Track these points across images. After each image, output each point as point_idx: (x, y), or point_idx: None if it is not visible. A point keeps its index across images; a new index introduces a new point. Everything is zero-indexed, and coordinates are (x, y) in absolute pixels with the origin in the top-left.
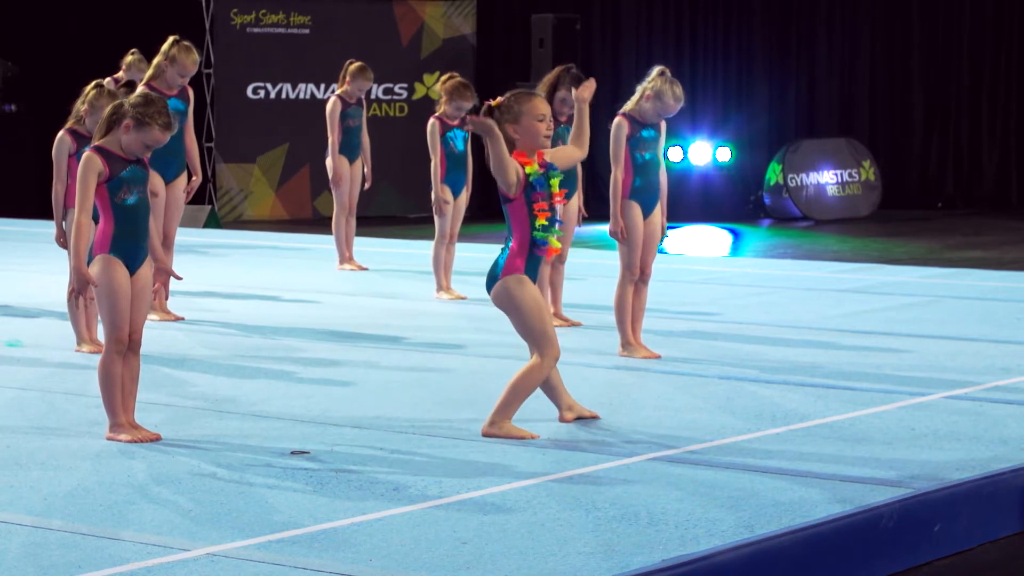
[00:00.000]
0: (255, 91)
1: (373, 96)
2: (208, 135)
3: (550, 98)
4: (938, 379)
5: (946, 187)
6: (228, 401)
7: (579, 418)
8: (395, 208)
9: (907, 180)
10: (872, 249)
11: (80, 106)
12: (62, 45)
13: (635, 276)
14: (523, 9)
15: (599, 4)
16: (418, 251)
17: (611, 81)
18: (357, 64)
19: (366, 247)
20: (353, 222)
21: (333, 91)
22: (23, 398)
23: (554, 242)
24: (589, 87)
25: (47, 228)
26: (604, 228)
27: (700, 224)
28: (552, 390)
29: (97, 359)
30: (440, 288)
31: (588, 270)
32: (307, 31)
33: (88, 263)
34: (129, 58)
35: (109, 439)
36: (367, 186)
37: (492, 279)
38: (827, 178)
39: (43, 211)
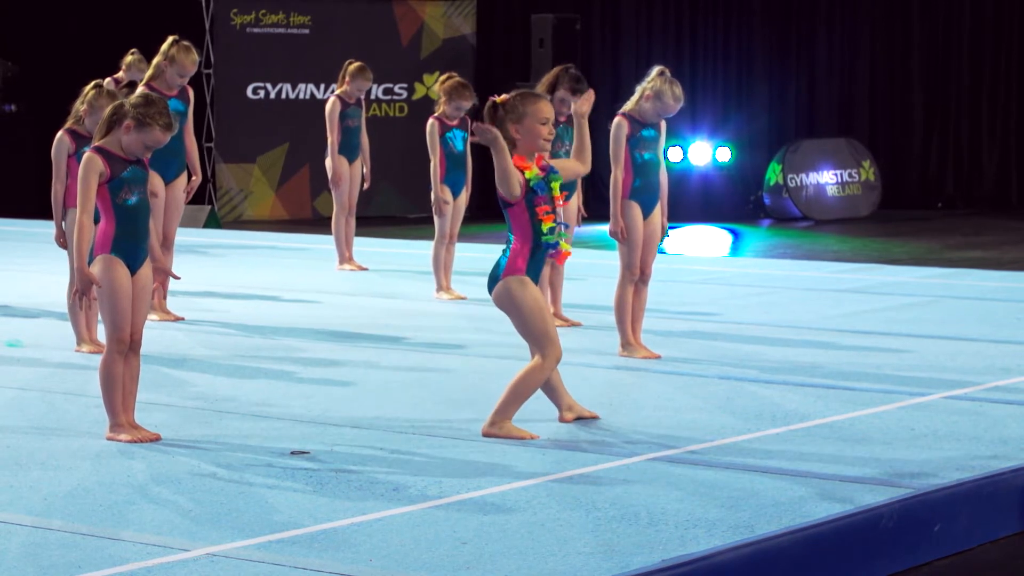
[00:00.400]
0: (255, 91)
1: (373, 96)
2: (208, 135)
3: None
4: (938, 379)
5: (946, 187)
6: (228, 401)
7: (579, 418)
8: (395, 208)
9: (907, 180)
10: (872, 249)
11: (79, 106)
12: (62, 45)
13: (635, 276)
14: (523, 9)
15: (599, 4)
16: (418, 251)
17: (611, 81)
18: (356, 64)
19: (366, 247)
20: (353, 222)
21: (333, 91)
22: (23, 398)
23: (564, 245)
24: (588, 100)
25: (47, 228)
26: (604, 228)
27: (700, 224)
28: (552, 390)
29: (97, 359)
30: (440, 288)
31: (588, 270)
32: (307, 31)
33: (88, 263)
34: (129, 58)
35: (109, 439)
36: (366, 186)
37: (493, 280)
38: (827, 178)
39: (43, 211)
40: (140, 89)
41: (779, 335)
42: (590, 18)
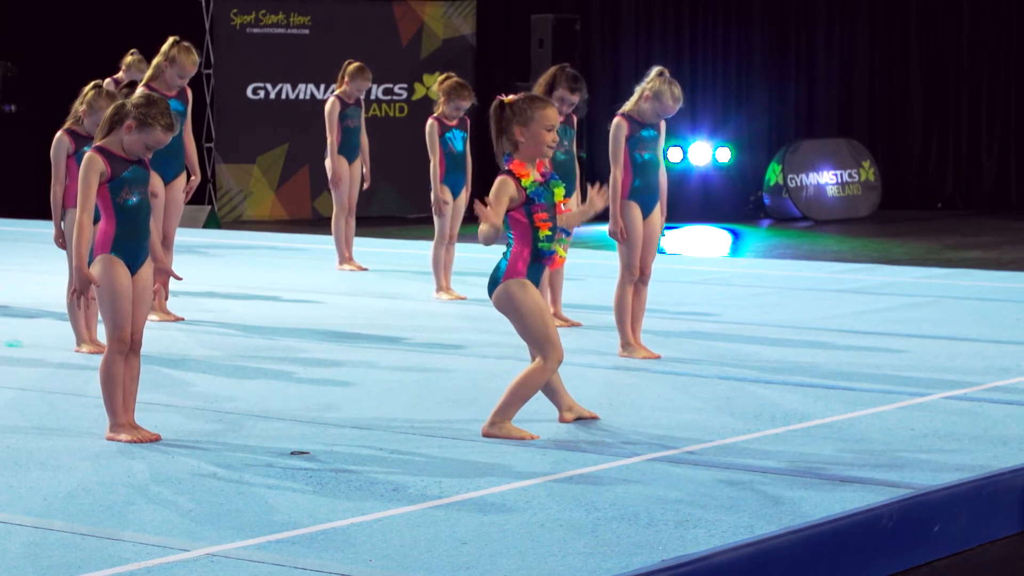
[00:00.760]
0: (255, 91)
1: (373, 96)
2: (208, 135)
3: None
4: (937, 379)
5: (946, 187)
6: (228, 401)
7: (579, 419)
8: (394, 208)
9: (907, 180)
10: (872, 249)
11: (79, 107)
12: (62, 45)
13: (635, 276)
14: (523, 9)
15: (599, 4)
16: (418, 251)
17: (610, 81)
18: (356, 64)
19: (366, 247)
20: (353, 222)
21: (332, 91)
22: (23, 398)
23: (560, 251)
24: (602, 199)
25: (47, 228)
26: (603, 228)
27: (700, 224)
28: (552, 391)
29: (97, 359)
30: (440, 288)
31: (588, 270)
32: (307, 31)
33: (88, 263)
34: (129, 58)
35: (109, 439)
36: (366, 186)
37: (494, 283)
38: (827, 178)
39: (43, 211)
40: (140, 89)
41: (779, 335)
42: (590, 18)
